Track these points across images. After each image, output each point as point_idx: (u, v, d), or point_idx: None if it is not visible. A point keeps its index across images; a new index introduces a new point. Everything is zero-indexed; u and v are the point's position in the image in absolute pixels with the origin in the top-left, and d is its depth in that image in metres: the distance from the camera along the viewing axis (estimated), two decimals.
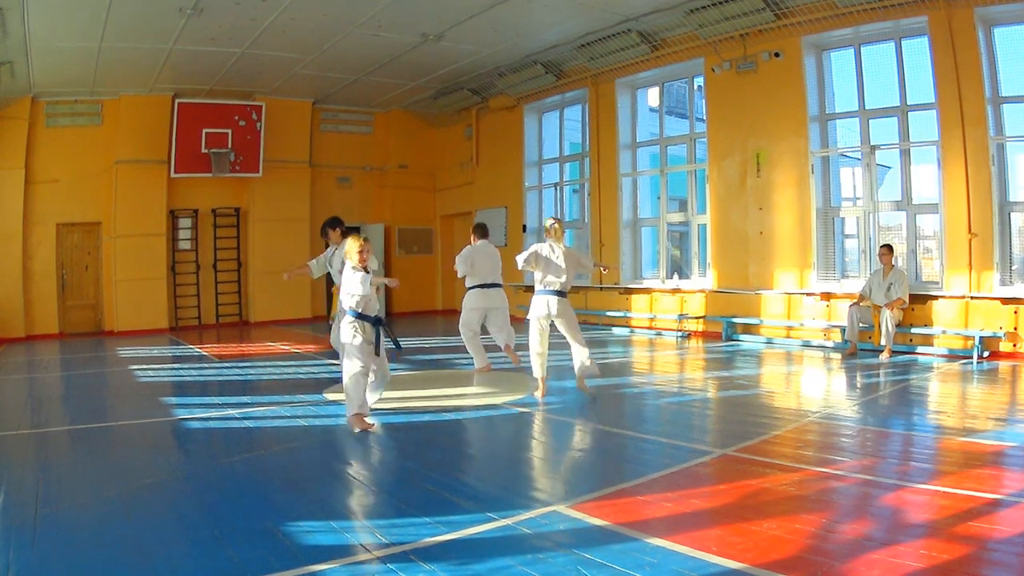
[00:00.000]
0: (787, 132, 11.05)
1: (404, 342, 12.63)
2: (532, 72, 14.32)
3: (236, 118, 15.59)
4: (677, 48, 12.24)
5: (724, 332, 11.75)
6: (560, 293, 6.98)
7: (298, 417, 6.60)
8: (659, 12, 11.41)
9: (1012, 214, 9.24)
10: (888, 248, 9.73)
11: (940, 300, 9.56)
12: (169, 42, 11.94)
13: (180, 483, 4.72)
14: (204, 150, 15.22)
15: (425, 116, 18.14)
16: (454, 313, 18.49)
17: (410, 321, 16.68)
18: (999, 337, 8.94)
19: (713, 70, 11.88)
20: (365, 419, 5.91)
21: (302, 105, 16.64)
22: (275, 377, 9.11)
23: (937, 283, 9.80)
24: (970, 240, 9.22)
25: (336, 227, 8.33)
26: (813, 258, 10.87)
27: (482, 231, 8.70)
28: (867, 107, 10.53)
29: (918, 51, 9.84)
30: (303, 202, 16.83)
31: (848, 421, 6.06)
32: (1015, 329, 8.93)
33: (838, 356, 9.74)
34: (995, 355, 8.99)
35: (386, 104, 17.45)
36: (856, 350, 9.73)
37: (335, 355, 10.22)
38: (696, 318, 12.33)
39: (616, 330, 13.34)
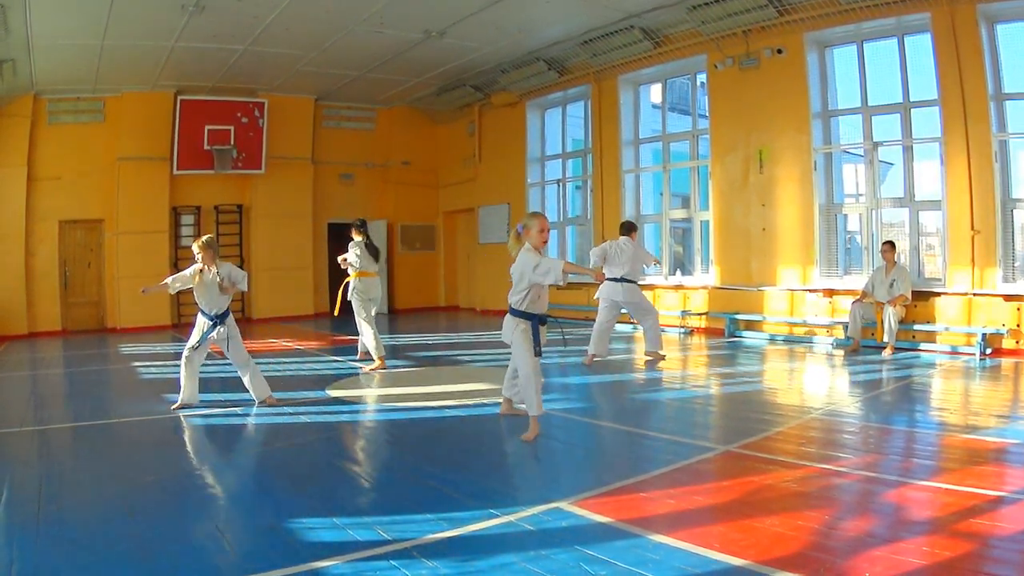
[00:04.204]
0: (790, 128, 11.04)
1: (406, 339, 12.66)
2: (535, 69, 14.30)
3: (238, 115, 15.59)
4: (679, 45, 12.22)
5: (727, 328, 11.74)
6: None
7: (300, 414, 6.61)
8: (661, 9, 11.39)
9: (1015, 211, 9.22)
10: (890, 245, 9.72)
11: (943, 297, 9.55)
12: (171, 39, 11.95)
13: (183, 480, 4.73)
14: (207, 147, 15.23)
15: (428, 112, 18.13)
16: (456, 310, 18.59)
17: (412, 318, 16.70)
18: (1002, 334, 8.93)
19: (716, 67, 11.87)
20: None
21: (304, 102, 16.64)
22: (278, 373, 9.10)
23: (940, 280, 9.80)
24: (973, 237, 9.20)
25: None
26: (816, 255, 10.86)
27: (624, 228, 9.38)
28: (870, 104, 10.51)
29: (921, 48, 9.82)
30: (306, 199, 16.85)
31: (851, 418, 6.06)
32: (1018, 326, 8.92)
33: (841, 353, 9.73)
34: (998, 352, 8.98)
35: (389, 100, 17.45)
36: (859, 347, 9.73)
37: (336, 351, 10.26)
38: (699, 314, 12.32)
39: (619, 326, 13.31)
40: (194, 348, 6.78)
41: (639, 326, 9.77)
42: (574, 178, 15.61)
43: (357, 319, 9.27)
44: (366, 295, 9.21)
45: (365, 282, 9.22)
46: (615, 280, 9.13)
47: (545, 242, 5.41)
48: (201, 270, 6.70)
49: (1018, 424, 5.71)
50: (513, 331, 5.46)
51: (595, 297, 9.47)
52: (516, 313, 5.46)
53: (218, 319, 6.72)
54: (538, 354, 5.44)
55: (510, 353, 5.63)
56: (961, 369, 8.31)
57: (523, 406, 5.68)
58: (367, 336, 9.18)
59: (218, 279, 6.65)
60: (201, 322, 6.78)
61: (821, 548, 3.29)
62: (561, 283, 5.21)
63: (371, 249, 9.29)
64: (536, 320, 5.44)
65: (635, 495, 4.14)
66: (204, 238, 6.84)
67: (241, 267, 16.09)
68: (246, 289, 7.10)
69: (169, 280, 6.87)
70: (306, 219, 16.78)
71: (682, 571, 3.09)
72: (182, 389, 6.83)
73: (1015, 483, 4.23)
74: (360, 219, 9.71)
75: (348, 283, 9.29)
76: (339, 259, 9.41)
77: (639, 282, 9.52)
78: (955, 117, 9.29)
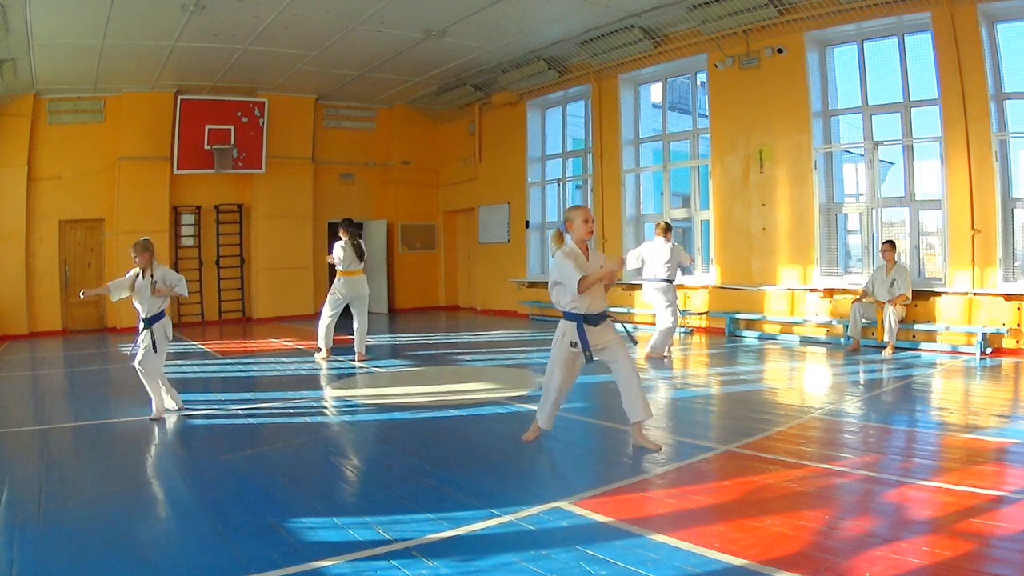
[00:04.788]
0: (790, 128, 11.03)
1: (406, 339, 12.67)
2: (535, 68, 14.30)
3: (239, 114, 15.59)
4: (680, 44, 12.21)
5: (727, 328, 11.74)
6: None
7: (301, 413, 6.61)
8: (662, 8, 11.38)
9: (1015, 210, 9.21)
10: (890, 244, 9.71)
11: (943, 296, 9.55)
12: (172, 39, 11.94)
13: (183, 479, 4.73)
14: (207, 146, 15.23)
15: (428, 112, 18.13)
16: (456, 310, 18.59)
17: (412, 317, 16.70)
18: (1002, 333, 8.93)
19: (716, 66, 11.86)
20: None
21: (305, 101, 16.64)
22: (278, 373, 9.12)
23: (940, 279, 9.79)
24: (973, 236, 9.20)
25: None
26: (816, 254, 10.86)
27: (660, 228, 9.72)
28: (870, 103, 10.51)
29: (921, 47, 9.82)
30: (306, 198, 16.84)
31: (851, 417, 6.06)
32: (1018, 325, 8.92)
33: (840, 352, 9.72)
34: (998, 351, 8.98)
35: (389, 100, 17.45)
36: (859, 346, 9.73)
37: (336, 351, 10.28)
38: (699, 314, 12.32)
39: (619, 326, 13.28)
40: (141, 360, 6.50)
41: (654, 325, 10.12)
42: (574, 177, 15.61)
43: (323, 312, 9.68)
44: (348, 293, 9.54)
45: (348, 280, 9.51)
46: (651, 280, 9.53)
47: (590, 233, 5.07)
48: (138, 274, 6.52)
49: (1018, 424, 5.71)
50: (560, 336, 5.16)
51: (644, 300, 10.13)
52: (565, 316, 5.14)
53: (149, 322, 6.49)
54: (588, 360, 5.06)
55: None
56: (961, 369, 8.31)
57: (647, 434, 5.30)
58: (320, 327, 9.67)
59: (152, 281, 6.47)
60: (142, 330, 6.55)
61: (821, 548, 3.29)
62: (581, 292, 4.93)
63: (357, 248, 9.56)
64: (581, 320, 5.05)
65: (635, 495, 4.14)
66: (140, 241, 6.64)
67: (242, 267, 16.32)
68: (185, 294, 6.80)
69: (110, 285, 6.61)
70: (306, 219, 16.78)
71: (683, 571, 3.09)
72: (152, 401, 6.53)
73: (1015, 483, 4.23)
74: (346, 218, 9.98)
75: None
76: (328, 258, 9.72)
77: (674, 282, 9.82)
78: (955, 116, 9.29)
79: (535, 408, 6.51)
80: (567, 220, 5.11)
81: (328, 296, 9.74)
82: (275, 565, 3.21)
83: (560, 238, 5.16)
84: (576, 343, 5.04)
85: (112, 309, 14.98)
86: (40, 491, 4.42)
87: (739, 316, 11.68)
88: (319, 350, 9.96)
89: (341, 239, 9.61)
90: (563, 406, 6.69)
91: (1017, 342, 8.94)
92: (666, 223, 9.76)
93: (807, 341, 10.73)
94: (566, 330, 5.11)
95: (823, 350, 10.05)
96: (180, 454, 5.52)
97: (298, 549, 3.41)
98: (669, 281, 9.50)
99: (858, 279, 10.45)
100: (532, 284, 15.76)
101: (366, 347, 9.91)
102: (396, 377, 8.68)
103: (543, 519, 3.76)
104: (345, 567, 3.20)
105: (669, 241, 9.54)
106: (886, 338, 9.38)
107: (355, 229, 9.84)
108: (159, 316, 6.56)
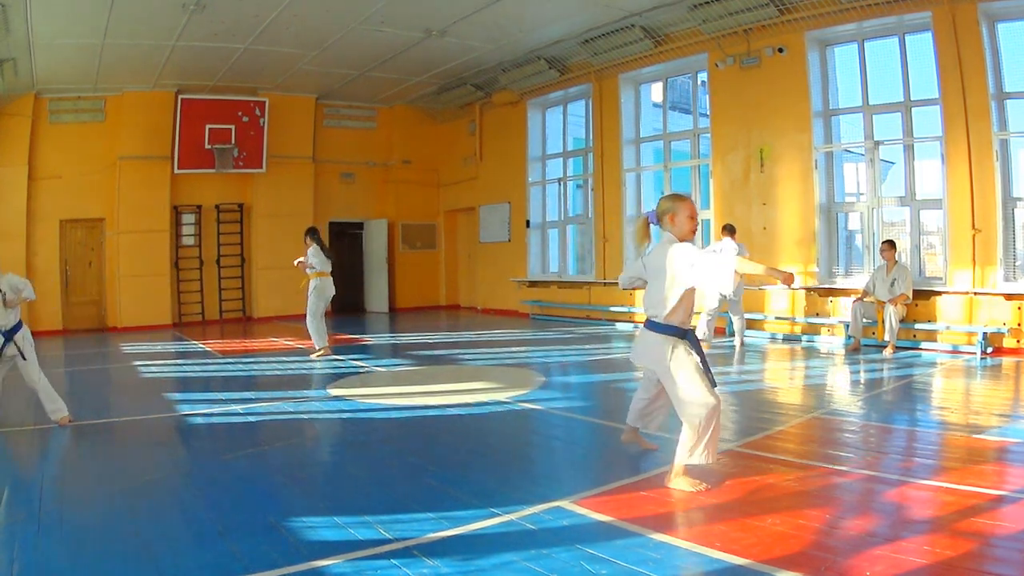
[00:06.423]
0: (790, 127, 11.03)
1: (407, 338, 12.67)
2: (535, 67, 14.30)
3: (239, 114, 15.59)
4: (680, 43, 12.21)
5: (728, 328, 11.72)
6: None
7: (301, 413, 6.61)
8: (662, 7, 11.38)
9: (1016, 210, 9.19)
10: (890, 244, 9.70)
11: (944, 296, 9.55)
12: (172, 38, 11.94)
13: (183, 479, 4.73)
14: (207, 146, 15.24)
15: (429, 111, 18.13)
16: (457, 309, 18.60)
17: (413, 317, 16.70)
18: (1003, 333, 8.92)
19: (716, 65, 11.85)
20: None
21: (305, 101, 16.64)
22: (278, 373, 9.11)
23: (941, 279, 9.79)
24: (974, 236, 9.19)
25: None
26: (816, 254, 10.85)
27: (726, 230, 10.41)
28: (870, 103, 10.50)
29: (922, 46, 9.81)
30: (307, 198, 16.85)
31: (852, 417, 6.05)
32: (1019, 325, 8.91)
33: (841, 352, 9.72)
34: (999, 351, 8.98)
35: (389, 99, 17.45)
36: (859, 346, 9.72)
37: (337, 350, 10.29)
38: (699, 313, 12.28)
39: (620, 326, 13.33)
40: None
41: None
42: (575, 177, 15.59)
43: (308, 312, 10.24)
44: (323, 293, 10.23)
45: (323, 282, 10.22)
46: None
47: (694, 232, 4.27)
48: None
49: (1019, 423, 5.70)
50: (668, 355, 4.16)
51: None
52: (664, 329, 4.22)
53: (8, 335, 6.04)
54: (713, 383, 4.17)
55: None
56: (962, 368, 8.31)
57: (654, 435, 4.66)
58: (312, 328, 10.24)
59: (1, 294, 5.94)
60: None
61: (822, 547, 3.28)
62: (728, 294, 4.32)
63: (326, 253, 10.39)
64: (693, 336, 4.24)
65: (636, 494, 4.14)
66: None
67: (242, 266, 16.32)
68: (33, 297, 6.41)
69: None
70: (307, 218, 16.71)
71: (683, 570, 3.09)
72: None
73: (1016, 482, 4.22)
74: (312, 227, 10.87)
75: (309, 282, 10.35)
76: (295, 262, 10.47)
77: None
78: (956, 116, 9.28)
79: (535, 407, 6.52)
80: (667, 211, 4.25)
81: (310, 297, 10.24)
82: (275, 564, 3.20)
83: (647, 229, 4.42)
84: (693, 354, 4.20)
85: (112, 309, 14.99)
86: (40, 491, 4.42)
87: None
88: (317, 349, 10.14)
89: (312, 246, 10.31)
90: (565, 405, 6.70)
91: (1018, 341, 8.93)
92: (730, 224, 10.43)
93: (807, 340, 10.72)
94: (674, 347, 4.18)
95: (824, 349, 10.04)
96: (180, 454, 5.51)
97: (298, 548, 3.41)
98: None
99: (859, 279, 10.44)
100: (533, 284, 15.76)
101: None
102: (396, 376, 8.68)
103: (544, 518, 3.75)
104: (345, 566, 3.20)
105: (735, 241, 10.14)
106: (887, 337, 9.37)
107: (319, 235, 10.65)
108: (18, 327, 6.15)
